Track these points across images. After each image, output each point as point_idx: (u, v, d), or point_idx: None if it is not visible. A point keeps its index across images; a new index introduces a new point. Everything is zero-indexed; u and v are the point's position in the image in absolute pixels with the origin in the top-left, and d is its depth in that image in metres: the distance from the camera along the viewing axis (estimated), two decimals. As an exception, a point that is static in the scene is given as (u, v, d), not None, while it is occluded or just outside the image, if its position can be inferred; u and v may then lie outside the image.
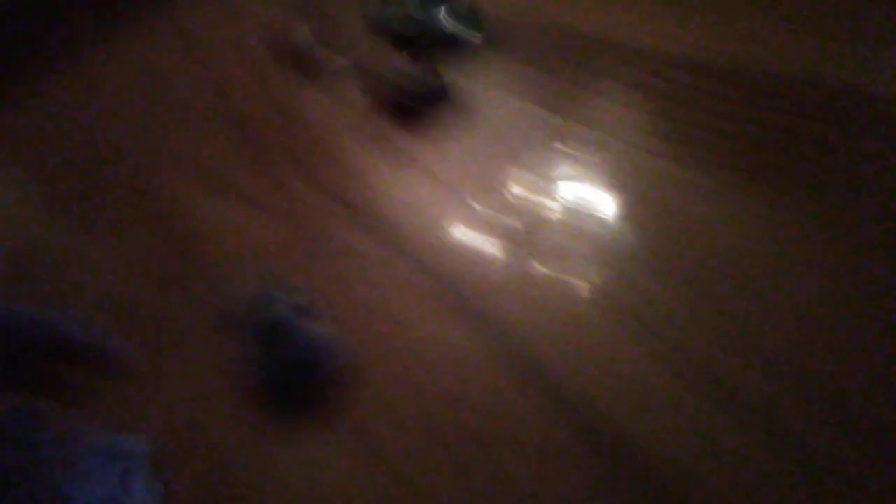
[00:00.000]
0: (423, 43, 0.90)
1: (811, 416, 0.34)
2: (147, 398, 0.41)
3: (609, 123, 0.61)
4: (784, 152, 0.48)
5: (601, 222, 0.49)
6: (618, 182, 0.53)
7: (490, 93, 0.76)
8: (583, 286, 0.44)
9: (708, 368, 0.36)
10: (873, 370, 0.35)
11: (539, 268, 0.47)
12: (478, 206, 0.56)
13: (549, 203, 0.53)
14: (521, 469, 0.34)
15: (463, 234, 0.54)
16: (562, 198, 0.54)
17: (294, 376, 0.41)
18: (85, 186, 0.82)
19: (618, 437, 0.34)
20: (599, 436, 0.35)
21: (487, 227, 0.54)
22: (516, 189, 0.57)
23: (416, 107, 0.75)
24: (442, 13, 0.88)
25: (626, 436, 0.34)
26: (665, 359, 0.37)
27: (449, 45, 0.88)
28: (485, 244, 0.52)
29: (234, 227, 0.62)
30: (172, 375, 0.43)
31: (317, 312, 0.43)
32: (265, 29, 1.19)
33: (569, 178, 0.56)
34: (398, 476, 0.35)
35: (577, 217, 0.51)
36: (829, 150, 0.47)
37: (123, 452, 0.37)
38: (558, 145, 0.61)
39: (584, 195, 0.53)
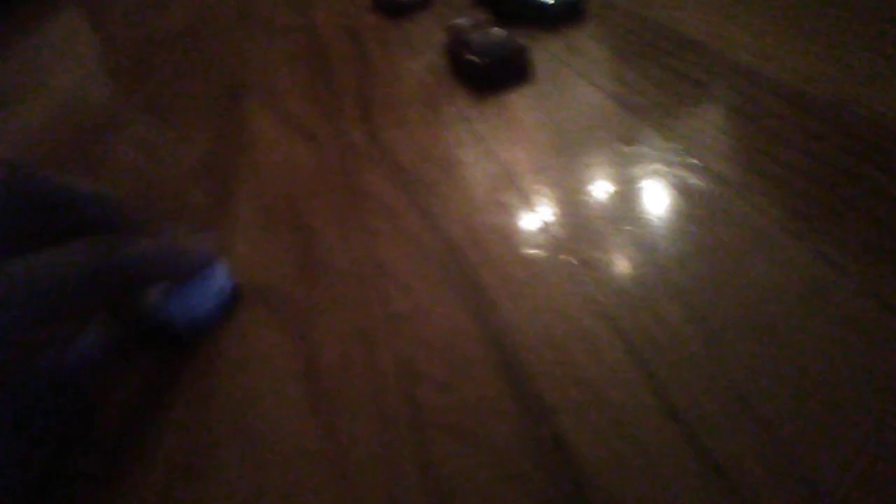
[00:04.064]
0: (519, 14, 0.87)
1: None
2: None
3: (682, 136, 0.58)
4: (860, 209, 0.44)
5: (642, 237, 0.47)
6: (672, 198, 0.50)
7: (569, 79, 0.73)
8: (596, 299, 0.42)
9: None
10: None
11: (555, 271, 0.45)
12: (518, 189, 0.56)
13: (591, 204, 0.52)
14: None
15: (491, 214, 0.53)
16: (607, 202, 0.52)
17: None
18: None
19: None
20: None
21: (516, 211, 0.53)
22: (561, 181, 0.56)
23: (488, 71, 0.73)
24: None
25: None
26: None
27: (543, 21, 0.85)
28: (509, 227, 0.51)
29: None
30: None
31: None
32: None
33: (623, 182, 0.53)
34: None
35: (616, 223, 0.49)
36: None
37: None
38: (624, 148, 0.58)
39: (634, 204, 0.51)
